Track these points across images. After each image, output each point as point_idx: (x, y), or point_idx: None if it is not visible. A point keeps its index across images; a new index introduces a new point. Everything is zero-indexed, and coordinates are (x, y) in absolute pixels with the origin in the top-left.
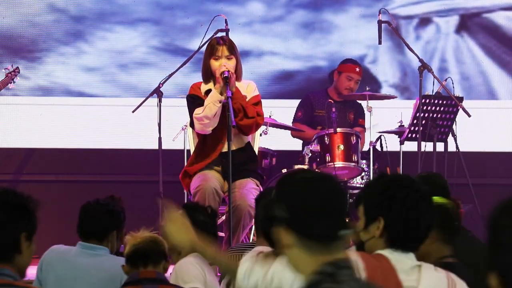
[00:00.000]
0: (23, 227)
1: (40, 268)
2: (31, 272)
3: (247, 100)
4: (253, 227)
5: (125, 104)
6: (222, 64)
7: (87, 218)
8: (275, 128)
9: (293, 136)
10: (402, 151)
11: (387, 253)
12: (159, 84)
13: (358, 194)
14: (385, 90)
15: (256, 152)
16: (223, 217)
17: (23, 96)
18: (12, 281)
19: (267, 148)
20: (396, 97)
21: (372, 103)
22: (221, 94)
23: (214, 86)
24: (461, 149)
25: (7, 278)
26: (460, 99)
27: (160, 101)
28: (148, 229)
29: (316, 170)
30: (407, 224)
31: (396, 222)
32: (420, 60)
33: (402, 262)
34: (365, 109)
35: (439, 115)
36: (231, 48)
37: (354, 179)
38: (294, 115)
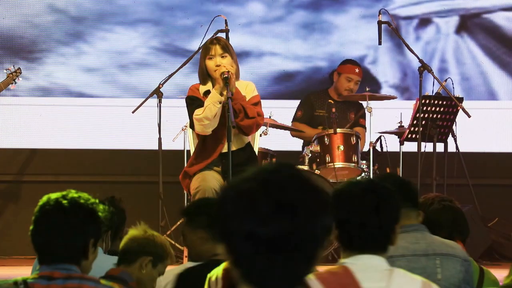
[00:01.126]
0: (92, 233)
1: None
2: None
3: (246, 100)
4: None
5: (125, 105)
6: (221, 65)
7: None
8: (275, 129)
9: (293, 136)
10: (402, 152)
11: (351, 260)
12: (159, 85)
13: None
14: (385, 90)
15: (256, 153)
16: None
17: (23, 96)
18: (82, 274)
19: (267, 149)
20: (396, 98)
21: (372, 103)
22: (221, 94)
23: (212, 86)
24: (461, 149)
25: (79, 273)
26: (460, 99)
27: (160, 101)
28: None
29: (316, 170)
30: (352, 225)
31: (341, 224)
32: (420, 61)
33: (369, 268)
34: (365, 110)
35: (439, 116)
36: (225, 46)
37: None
38: (294, 115)
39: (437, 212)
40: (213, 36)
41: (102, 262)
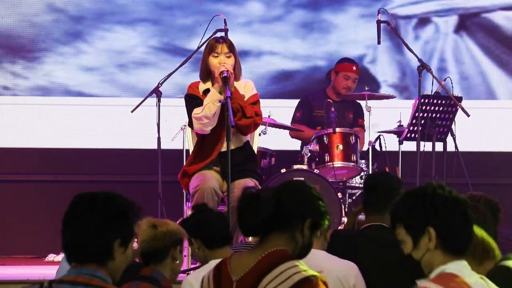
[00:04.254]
0: (117, 233)
1: None
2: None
3: (245, 99)
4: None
5: (124, 104)
6: (221, 63)
7: None
8: (274, 128)
9: (292, 137)
10: (401, 151)
11: (453, 269)
12: (158, 84)
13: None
14: (384, 90)
15: (255, 152)
16: None
17: (22, 96)
18: (103, 283)
19: (266, 148)
20: (395, 97)
21: (371, 103)
22: (220, 93)
23: (212, 85)
24: (460, 149)
25: (100, 280)
26: (459, 99)
27: (159, 101)
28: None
29: (316, 170)
30: (458, 227)
31: (446, 227)
32: (419, 60)
33: (471, 275)
34: (364, 109)
35: (438, 115)
36: (231, 46)
37: (353, 179)
38: (293, 116)
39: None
40: (212, 35)
41: None
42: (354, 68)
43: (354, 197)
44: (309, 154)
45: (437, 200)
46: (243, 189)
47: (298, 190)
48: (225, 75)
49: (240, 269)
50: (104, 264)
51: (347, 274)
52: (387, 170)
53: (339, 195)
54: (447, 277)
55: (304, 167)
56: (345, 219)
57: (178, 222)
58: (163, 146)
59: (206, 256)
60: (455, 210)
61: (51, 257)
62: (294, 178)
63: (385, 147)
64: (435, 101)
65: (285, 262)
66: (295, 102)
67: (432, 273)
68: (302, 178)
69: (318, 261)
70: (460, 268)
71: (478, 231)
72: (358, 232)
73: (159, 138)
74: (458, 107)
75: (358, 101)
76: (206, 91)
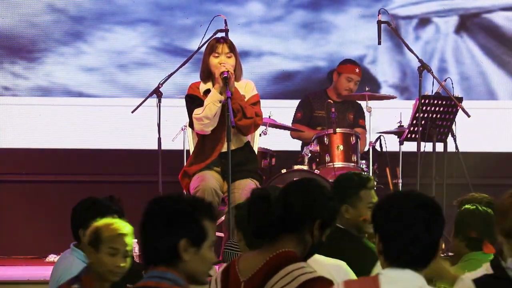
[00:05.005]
0: (182, 233)
1: None
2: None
3: (245, 99)
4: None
5: (125, 104)
6: (222, 64)
7: None
8: (274, 128)
9: (293, 137)
10: (402, 152)
11: (387, 272)
12: (158, 84)
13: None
14: (385, 90)
15: (256, 152)
16: (223, 218)
17: (23, 96)
18: (171, 285)
19: (267, 148)
20: (395, 98)
21: (371, 103)
22: (220, 94)
23: (212, 85)
24: (461, 149)
25: (168, 282)
26: (460, 99)
27: (159, 101)
28: None
29: (316, 170)
30: (398, 239)
31: (385, 237)
32: (420, 61)
33: (399, 282)
34: (364, 110)
35: (438, 116)
36: (231, 46)
37: None
38: (294, 116)
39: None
40: (212, 35)
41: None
42: (357, 70)
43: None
44: (309, 154)
45: (385, 207)
46: (252, 191)
47: (307, 190)
48: (226, 75)
49: (249, 270)
50: (174, 265)
51: (334, 274)
52: (387, 170)
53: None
54: (363, 279)
55: (305, 167)
56: None
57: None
58: (163, 147)
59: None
60: (397, 222)
61: (51, 257)
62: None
63: (386, 147)
64: (435, 101)
65: (292, 264)
66: (295, 103)
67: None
68: None
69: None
70: (393, 274)
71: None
72: None
73: (159, 139)
74: (458, 107)
75: (359, 101)
76: (207, 91)
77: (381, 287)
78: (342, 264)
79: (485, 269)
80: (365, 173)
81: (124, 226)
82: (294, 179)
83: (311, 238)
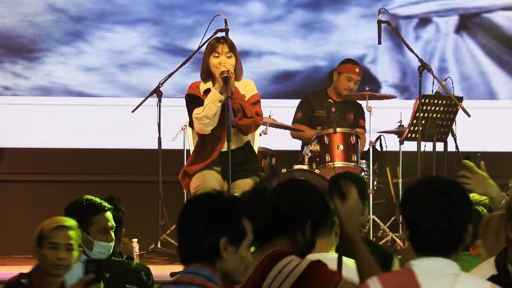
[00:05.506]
0: (223, 232)
1: None
2: None
3: (246, 99)
4: None
5: (125, 104)
6: (222, 63)
7: None
8: (274, 128)
9: (293, 137)
10: (402, 151)
11: (418, 263)
12: (158, 84)
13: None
14: (385, 90)
15: (256, 152)
16: None
17: (23, 96)
18: (205, 281)
19: (267, 148)
20: (395, 97)
21: (371, 103)
22: (220, 93)
23: (213, 85)
24: (461, 149)
25: (201, 278)
26: (460, 99)
27: (159, 101)
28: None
29: (316, 170)
30: (419, 227)
31: (412, 225)
32: (420, 60)
33: (434, 271)
34: (364, 109)
35: (438, 115)
36: (231, 46)
37: None
38: (294, 116)
39: None
40: (212, 35)
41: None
42: (357, 70)
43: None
44: (309, 154)
45: (413, 194)
46: (241, 195)
47: (296, 191)
48: (226, 75)
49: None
50: (211, 262)
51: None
52: (387, 170)
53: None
54: (397, 272)
55: (305, 167)
56: None
57: None
58: (163, 146)
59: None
60: (426, 210)
61: None
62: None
63: (386, 147)
64: (435, 101)
65: (280, 260)
66: (295, 102)
67: None
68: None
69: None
70: (424, 264)
71: None
72: None
73: (159, 138)
74: (458, 107)
75: (359, 101)
76: (207, 91)
77: (417, 278)
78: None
79: (491, 265)
80: (365, 173)
81: (65, 220)
82: (283, 180)
83: (303, 239)
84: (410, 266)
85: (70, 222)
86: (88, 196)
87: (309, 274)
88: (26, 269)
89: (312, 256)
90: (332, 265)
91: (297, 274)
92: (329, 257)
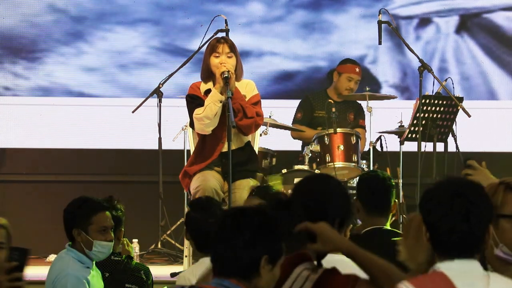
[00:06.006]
0: (266, 249)
1: None
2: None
3: (246, 99)
4: None
5: (125, 104)
6: (222, 63)
7: None
8: (275, 128)
9: (293, 137)
10: (402, 151)
11: (446, 266)
12: (159, 84)
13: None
14: (385, 90)
15: (256, 152)
16: None
17: (23, 96)
18: None
19: (267, 148)
20: (396, 97)
21: (372, 103)
22: (221, 94)
23: (213, 85)
24: (461, 149)
25: None
26: (460, 99)
27: (160, 101)
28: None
29: (317, 170)
30: (438, 229)
31: (432, 227)
32: (420, 61)
33: (466, 273)
34: (365, 109)
35: (439, 115)
36: (232, 46)
37: (354, 179)
38: (294, 117)
39: None
40: (213, 35)
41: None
42: (357, 70)
43: (355, 198)
44: (310, 154)
45: (433, 195)
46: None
47: (323, 189)
48: (226, 75)
49: None
50: (248, 279)
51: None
52: (388, 171)
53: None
54: (427, 276)
55: (305, 167)
56: None
57: None
58: (164, 147)
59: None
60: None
61: (51, 257)
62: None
63: (386, 147)
64: (436, 101)
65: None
66: (296, 103)
67: None
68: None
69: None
70: (454, 267)
71: None
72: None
73: (160, 139)
74: (459, 107)
75: (359, 101)
76: (208, 91)
77: (453, 282)
78: None
79: None
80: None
81: None
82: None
83: None
84: (438, 270)
85: (1, 221)
86: (86, 196)
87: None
88: (27, 269)
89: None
90: (341, 267)
91: (310, 284)
92: (337, 259)
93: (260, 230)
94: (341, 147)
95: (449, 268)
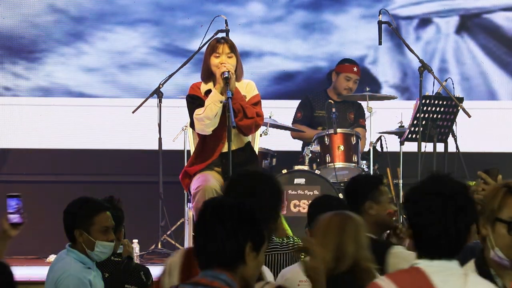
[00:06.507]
0: (249, 237)
1: None
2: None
3: (246, 99)
4: None
5: (125, 105)
6: (222, 64)
7: None
8: (275, 129)
9: (293, 137)
10: (402, 152)
11: (426, 263)
12: (159, 85)
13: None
14: (385, 90)
15: (257, 153)
16: None
17: (23, 96)
18: (224, 285)
19: (267, 149)
20: (396, 98)
21: (372, 103)
22: (221, 94)
23: (213, 86)
24: (461, 149)
25: (220, 282)
26: (460, 99)
27: (160, 101)
28: None
29: (317, 170)
30: (426, 232)
31: (416, 226)
32: (420, 61)
33: (445, 271)
34: (365, 110)
35: (439, 116)
36: (232, 47)
37: None
38: (294, 116)
39: None
40: (213, 35)
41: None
42: (355, 69)
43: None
44: (310, 154)
45: (414, 197)
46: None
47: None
48: (226, 75)
49: None
50: (233, 268)
51: None
52: (388, 171)
53: (340, 196)
54: (407, 271)
55: (305, 167)
56: None
57: None
58: (164, 147)
59: None
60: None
61: (51, 257)
62: (295, 179)
63: (386, 147)
64: (436, 101)
65: None
66: (296, 103)
67: None
68: (304, 179)
69: None
70: (434, 264)
71: None
72: None
73: (160, 139)
74: (459, 107)
75: (359, 101)
76: (208, 91)
77: (430, 277)
78: None
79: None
80: (366, 173)
81: None
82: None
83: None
84: (416, 265)
85: None
86: (87, 196)
87: None
88: (27, 269)
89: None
90: None
91: None
92: None
93: (240, 219)
94: (341, 148)
95: (428, 265)
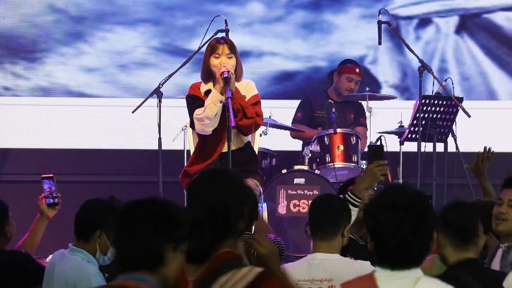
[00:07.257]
0: (168, 239)
1: None
2: None
3: (246, 99)
4: None
5: (125, 105)
6: (222, 64)
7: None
8: (275, 129)
9: (293, 137)
10: (402, 152)
11: (382, 269)
12: (159, 85)
13: None
14: (385, 90)
15: (256, 153)
16: None
17: (23, 96)
18: (151, 286)
19: (267, 149)
20: (396, 98)
21: (372, 103)
22: (221, 94)
23: (213, 86)
24: (461, 149)
25: (147, 284)
26: (460, 99)
27: (160, 101)
28: None
29: (316, 170)
30: (386, 242)
31: (375, 238)
32: (420, 61)
33: (394, 276)
34: (365, 109)
35: (439, 116)
36: (232, 47)
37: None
38: (294, 116)
39: None
40: (213, 35)
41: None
42: (357, 70)
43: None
44: (310, 154)
45: (373, 211)
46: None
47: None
48: (226, 75)
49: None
50: (155, 270)
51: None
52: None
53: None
54: (361, 278)
55: (305, 167)
56: None
57: None
58: (164, 147)
59: None
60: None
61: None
62: (294, 179)
63: (386, 147)
64: (436, 101)
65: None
66: (296, 103)
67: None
68: (303, 179)
69: (333, 267)
70: (386, 273)
71: None
72: None
73: (160, 139)
74: (459, 107)
75: (359, 101)
76: (208, 91)
77: (378, 284)
78: (367, 263)
79: None
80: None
81: None
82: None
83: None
84: (374, 272)
85: None
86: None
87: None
88: None
89: (312, 257)
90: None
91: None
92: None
93: (158, 219)
94: (341, 147)
95: (383, 272)
